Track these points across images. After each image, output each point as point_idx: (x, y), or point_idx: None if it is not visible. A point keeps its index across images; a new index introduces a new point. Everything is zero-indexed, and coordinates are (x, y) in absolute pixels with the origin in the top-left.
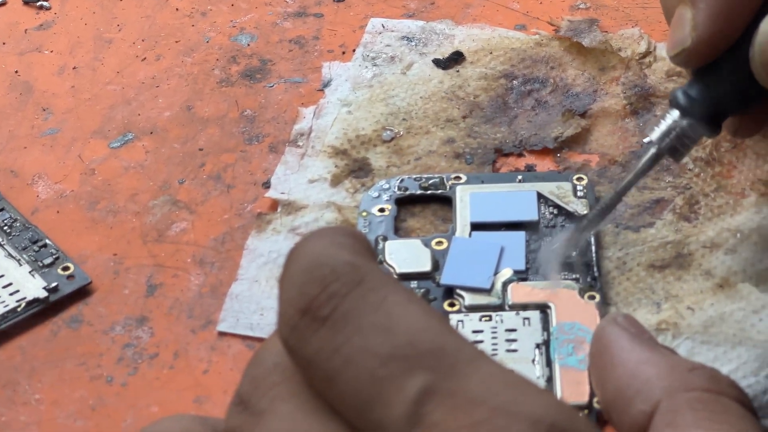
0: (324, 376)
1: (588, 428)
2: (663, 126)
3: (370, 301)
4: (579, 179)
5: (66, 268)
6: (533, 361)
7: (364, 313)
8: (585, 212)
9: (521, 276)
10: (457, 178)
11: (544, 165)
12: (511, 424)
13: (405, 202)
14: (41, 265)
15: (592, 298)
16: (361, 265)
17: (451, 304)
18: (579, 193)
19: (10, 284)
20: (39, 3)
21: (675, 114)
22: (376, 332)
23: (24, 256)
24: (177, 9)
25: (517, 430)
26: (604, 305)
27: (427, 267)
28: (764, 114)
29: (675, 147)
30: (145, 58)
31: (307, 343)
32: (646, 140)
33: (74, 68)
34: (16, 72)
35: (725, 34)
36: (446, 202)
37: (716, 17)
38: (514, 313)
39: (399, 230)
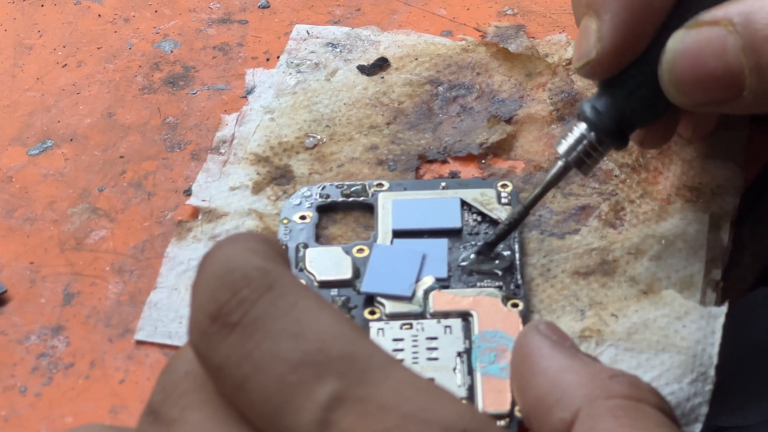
0: (234, 383)
1: None
2: (570, 139)
3: (281, 307)
4: (503, 186)
5: None
6: (454, 369)
7: (274, 318)
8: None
9: (443, 284)
10: (380, 185)
11: (469, 171)
12: (423, 430)
13: (326, 210)
14: None
15: (515, 305)
16: (271, 271)
17: (372, 312)
18: (503, 200)
19: None
20: None
21: (582, 127)
22: (286, 338)
23: None
24: (99, 15)
25: None
26: (528, 313)
27: (348, 275)
28: (671, 125)
29: (582, 160)
30: (66, 65)
31: (217, 349)
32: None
33: None
34: None
35: (630, 47)
36: (368, 209)
37: (621, 29)
38: (435, 321)
39: (320, 238)
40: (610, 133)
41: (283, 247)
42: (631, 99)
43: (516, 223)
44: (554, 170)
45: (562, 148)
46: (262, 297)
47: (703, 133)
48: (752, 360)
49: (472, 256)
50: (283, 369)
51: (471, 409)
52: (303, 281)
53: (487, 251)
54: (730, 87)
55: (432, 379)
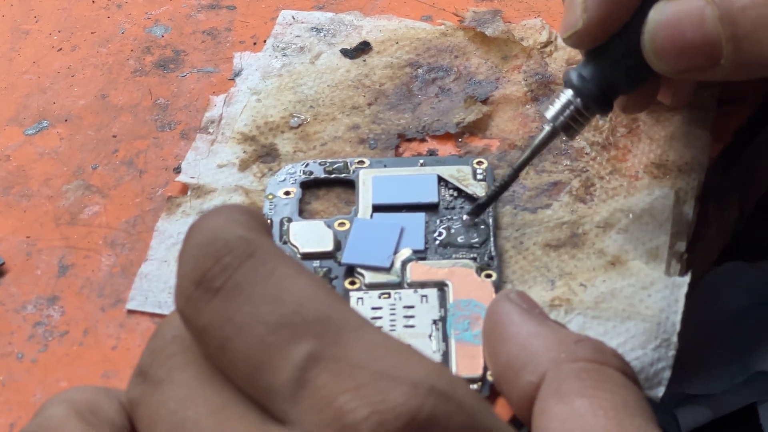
0: (217, 344)
1: (466, 392)
2: (557, 105)
3: (261, 273)
4: (479, 163)
5: None
6: (430, 336)
7: (255, 283)
8: (483, 194)
9: (420, 255)
10: (361, 162)
11: (446, 150)
12: (392, 387)
13: (310, 186)
14: None
15: (488, 276)
16: (252, 239)
17: (352, 282)
18: (478, 176)
19: None
20: None
21: (569, 93)
22: (265, 302)
23: None
24: (93, 1)
25: (398, 392)
26: (501, 283)
27: (329, 247)
28: (652, 92)
29: (569, 124)
30: (61, 49)
31: (201, 313)
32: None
33: None
34: None
35: (614, 18)
36: (350, 185)
37: (605, 1)
38: (412, 290)
39: (303, 212)
40: (595, 99)
41: (268, 221)
42: (616, 67)
43: (506, 185)
44: (542, 134)
45: (550, 113)
46: (243, 264)
47: (682, 100)
48: (719, 331)
49: (465, 216)
50: (262, 331)
51: (439, 368)
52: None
53: (478, 212)
54: (708, 56)
55: (398, 338)
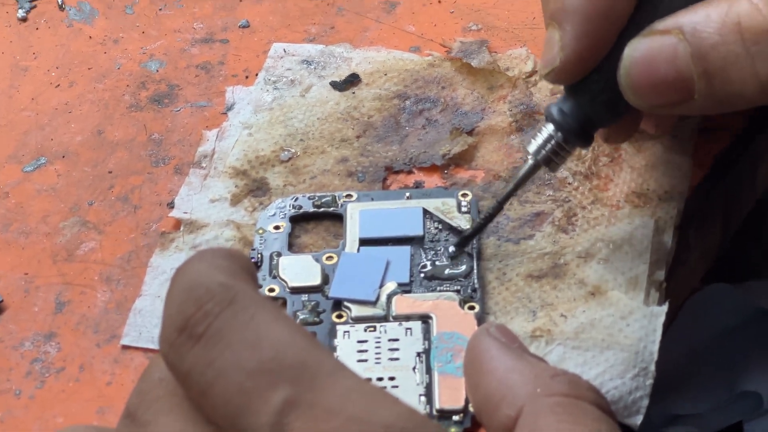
0: (199, 388)
1: None
2: (539, 139)
3: (240, 319)
4: (464, 195)
5: None
6: (414, 368)
7: (234, 330)
8: (467, 227)
9: (405, 288)
10: (349, 195)
11: (433, 181)
12: (365, 430)
13: (299, 220)
14: None
15: (471, 308)
16: (232, 286)
17: (339, 316)
18: (463, 209)
19: None
20: None
21: (550, 128)
22: (244, 348)
23: None
24: (90, 37)
25: None
26: (483, 315)
27: (317, 281)
28: (634, 123)
29: (550, 158)
30: (59, 85)
31: (184, 358)
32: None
33: None
34: None
35: (590, 55)
36: (338, 219)
37: (581, 39)
38: (397, 323)
39: (293, 246)
40: (575, 133)
41: (254, 258)
42: (594, 102)
43: (490, 217)
44: (525, 168)
45: (532, 147)
46: (223, 310)
47: (665, 129)
48: (705, 352)
49: (452, 248)
50: (241, 376)
51: (410, 411)
52: (275, 287)
53: (464, 244)
54: (681, 91)
55: (370, 381)
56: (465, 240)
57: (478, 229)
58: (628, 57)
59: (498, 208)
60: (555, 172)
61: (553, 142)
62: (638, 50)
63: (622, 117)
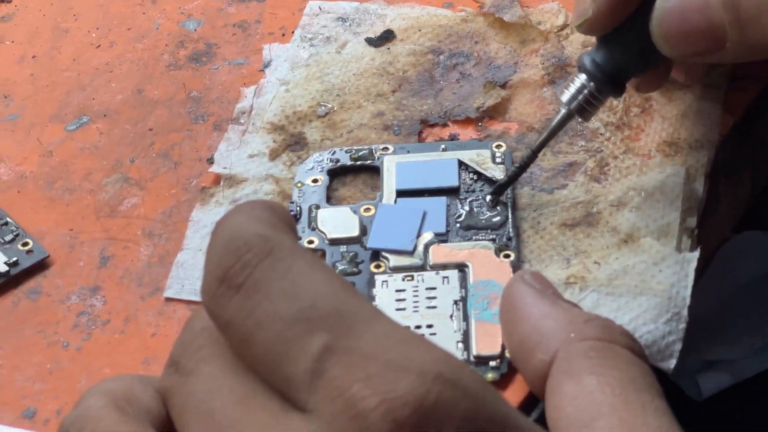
0: (240, 338)
1: (472, 378)
2: (572, 89)
3: (278, 270)
4: (498, 146)
5: (25, 244)
6: (451, 316)
7: (272, 280)
8: (502, 177)
9: (441, 238)
10: (385, 149)
11: (467, 134)
12: (400, 376)
13: (337, 173)
14: (2, 241)
15: (507, 256)
16: (271, 237)
17: (377, 266)
18: (497, 160)
19: None
20: None
21: (582, 78)
22: (282, 297)
23: None
24: None
25: (406, 381)
26: (519, 263)
27: (355, 232)
28: (664, 72)
29: (583, 108)
30: (99, 46)
31: (225, 308)
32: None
33: (33, 57)
34: None
35: (622, 5)
36: (375, 171)
37: None
38: (434, 272)
39: (331, 199)
40: (607, 83)
41: (293, 211)
42: (627, 51)
43: (525, 166)
44: (558, 117)
45: (565, 97)
46: (262, 261)
47: (695, 78)
48: (737, 299)
49: (489, 197)
50: (280, 325)
51: (445, 355)
52: (314, 239)
53: (499, 192)
54: (713, 40)
55: (408, 328)
56: (500, 188)
57: (514, 177)
58: (660, 7)
59: (532, 156)
60: (587, 121)
61: (585, 91)
62: (670, 0)
63: (654, 66)
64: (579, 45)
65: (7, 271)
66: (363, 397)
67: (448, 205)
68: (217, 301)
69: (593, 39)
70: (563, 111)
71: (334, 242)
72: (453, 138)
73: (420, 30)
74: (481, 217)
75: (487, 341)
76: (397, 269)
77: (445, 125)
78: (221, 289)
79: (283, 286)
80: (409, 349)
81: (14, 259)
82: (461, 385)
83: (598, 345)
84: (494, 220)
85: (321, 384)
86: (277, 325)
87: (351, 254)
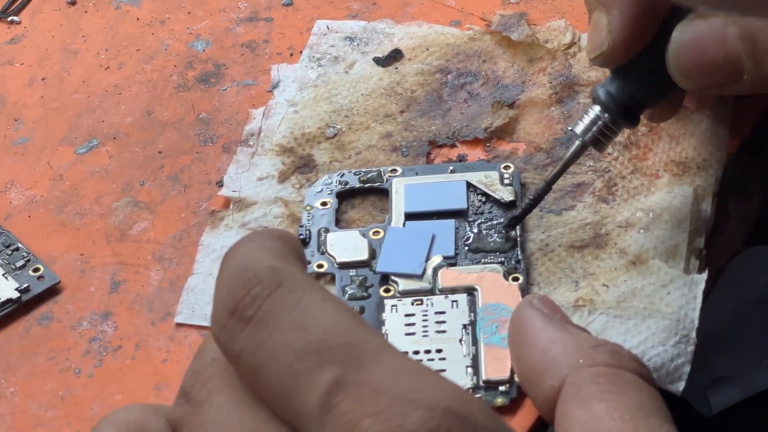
0: (250, 370)
1: (481, 411)
2: (586, 120)
3: (288, 302)
4: (506, 167)
5: (36, 270)
6: (460, 340)
7: (282, 312)
8: (510, 198)
9: (450, 261)
10: (394, 170)
11: (475, 154)
12: (410, 411)
13: (345, 196)
14: (14, 267)
15: (515, 279)
16: (281, 269)
17: (387, 290)
18: (505, 181)
19: None
20: (9, 18)
21: (596, 109)
22: (292, 330)
23: None
24: (138, 18)
25: (416, 416)
26: (527, 286)
27: (364, 256)
28: (677, 101)
29: (597, 139)
30: (108, 67)
31: (235, 341)
32: (570, 127)
33: (43, 79)
34: None
35: (638, 39)
36: (383, 194)
37: (629, 23)
38: (443, 296)
39: (340, 222)
40: (622, 114)
41: (302, 235)
42: (641, 84)
43: (539, 198)
44: (572, 149)
45: (579, 128)
46: (272, 293)
47: (707, 104)
48: (747, 313)
49: (503, 230)
50: (290, 358)
51: (454, 389)
52: (323, 263)
53: (513, 224)
54: (730, 72)
55: (416, 359)
56: (514, 220)
57: (527, 210)
58: (676, 40)
59: (546, 189)
60: (602, 152)
61: (600, 123)
62: (687, 33)
63: (668, 96)
64: (586, 64)
65: (19, 297)
66: None
67: (456, 228)
68: (227, 333)
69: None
70: (577, 143)
71: (344, 266)
72: (461, 159)
73: (428, 49)
74: (489, 240)
75: (497, 366)
76: (406, 293)
77: (453, 146)
78: (231, 322)
79: (293, 319)
80: (418, 382)
81: (26, 285)
82: (470, 420)
83: (606, 371)
84: (503, 242)
85: (331, 418)
86: (287, 357)
87: (360, 278)
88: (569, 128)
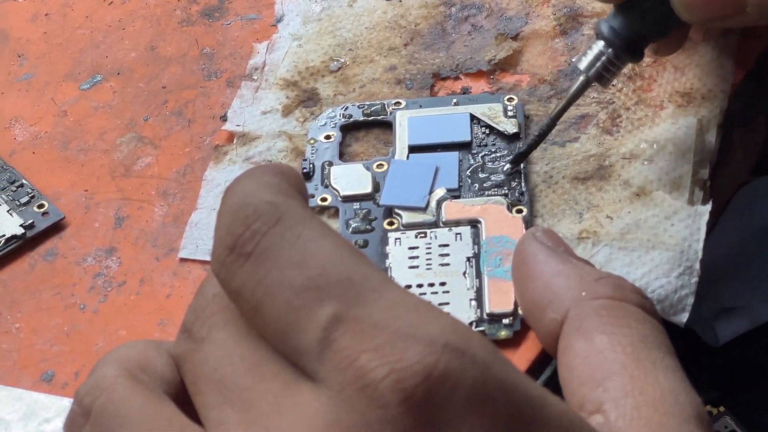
0: (249, 306)
1: (480, 345)
2: (590, 56)
3: (287, 238)
4: (509, 99)
5: (41, 206)
6: (464, 273)
7: (281, 248)
8: (514, 131)
9: (454, 194)
10: (397, 103)
11: (479, 86)
12: (409, 345)
13: (349, 129)
14: (18, 204)
15: (519, 212)
16: (280, 204)
17: (390, 223)
18: (509, 113)
19: None
20: None
21: (600, 44)
22: (291, 266)
23: (2, 196)
24: None
25: (414, 351)
26: (531, 218)
27: (368, 189)
28: (682, 34)
29: (601, 74)
30: (111, 2)
31: (234, 277)
32: (574, 59)
33: (46, 15)
34: None
35: None
36: (387, 126)
37: None
38: (447, 229)
39: (344, 155)
40: (626, 49)
41: (306, 168)
42: (645, 18)
43: (544, 134)
44: (576, 85)
45: (583, 64)
46: (270, 229)
47: (712, 36)
48: (753, 244)
49: (507, 166)
50: (289, 294)
51: (453, 323)
52: (327, 196)
53: (518, 160)
54: (733, 4)
55: (415, 294)
56: (519, 157)
57: (533, 146)
58: None
59: (551, 125)
60: (606, 87)
61: (604, 58)
62: None
63: (671, 31)
64: None
65: (24, 234)
66: (372, 368)
67: (460, 160)
68: (227, 269)
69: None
70: (581, 78)
71: (347, 199)
72: (465, 91)
73: None
74: (492, 172)
75: (500, 298)
76: (409, 226)
77: (457, 78)
78: (230, 258)
79: (292, 255)
80: (417, 317)
81: (30, 221)
82: (469, 354)
83: (609, 303)
84: (506, 175)
85: (330, 354)
86: (286, 293)
87: (364, 211)
88: (573, 61)
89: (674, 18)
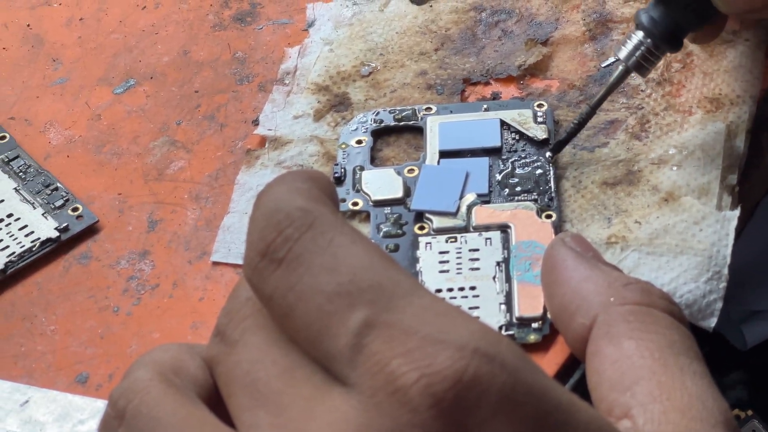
0: (281, 311)
1: (509, 351)
2: (629, 45)
3: (319, 244)
4: (539, 105)
5: (75, 209)
6: (494, 278)
7: (313, 254)
8: (543, 136)
9: (484, 199)
10: (428, 109)
11: (509, 92)
12: (439, 351)
13: (380, 134)
14: (53, 207)
15: (548, 217)
16: (312, 210)
17: (421, 228)
18: (539, 119)
19: (26, 226)
20: None
21: (639, 35)
22: (323, 272)
23: (37, 199)
24: None
25: (444, 356)
26: (560, 223)
27: (399, 194)
28: (720, 24)
29: (641, 63)
30: (145, 7)
31: (266, 282)
32: (604, 64)
33: (81, 19)
34: (28, 26)
35: None
36: (418, 131)
37: None
38: (477, 234)
39: (375, 160)
40: (665, 39)
41: (337, 173)
42: (683, 8)
43: (584, 122)
44: (616, 74)
45: (623, 53)
46: (303, 235)
47: (750, 25)
48: None
49: (548, 154)
50: (321, 299)
51: (483, 328)
52: (359, 201)
53: (558, 149)
54: None
55: (446, 299)
56: (559, 145)
57: (572, 134)
58: None
59: (591, 113)
60: (644, 77)
61: (643, 47)
62: None
63: (710, 21)
64: (620, 0)
65: (58, 237)
66: (402, 373)
67: (490, 166)
68: (259, 275)
69: None
70: (621, 68)
71: (378, 204)
72: (495, 96)
73: None
74: (522, 178)
75: (530, 303)
76: (440, 231)
77: (487, 83)
78: (262, 263)
79: (324, 261)
80: (447, 323)
81: (65, 224)
82: (499, 359)
83: (637, 309)
84: (536, 180)
85: (361, 359)
86: (317, 299)
87: (395, 216)
88: (606, 63)
89: (712, 9)
